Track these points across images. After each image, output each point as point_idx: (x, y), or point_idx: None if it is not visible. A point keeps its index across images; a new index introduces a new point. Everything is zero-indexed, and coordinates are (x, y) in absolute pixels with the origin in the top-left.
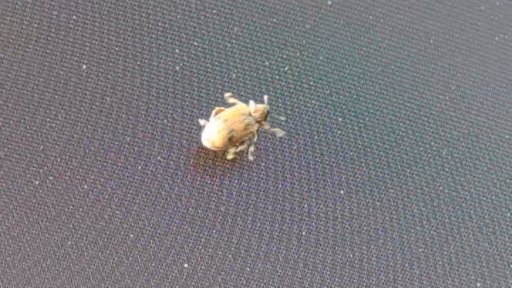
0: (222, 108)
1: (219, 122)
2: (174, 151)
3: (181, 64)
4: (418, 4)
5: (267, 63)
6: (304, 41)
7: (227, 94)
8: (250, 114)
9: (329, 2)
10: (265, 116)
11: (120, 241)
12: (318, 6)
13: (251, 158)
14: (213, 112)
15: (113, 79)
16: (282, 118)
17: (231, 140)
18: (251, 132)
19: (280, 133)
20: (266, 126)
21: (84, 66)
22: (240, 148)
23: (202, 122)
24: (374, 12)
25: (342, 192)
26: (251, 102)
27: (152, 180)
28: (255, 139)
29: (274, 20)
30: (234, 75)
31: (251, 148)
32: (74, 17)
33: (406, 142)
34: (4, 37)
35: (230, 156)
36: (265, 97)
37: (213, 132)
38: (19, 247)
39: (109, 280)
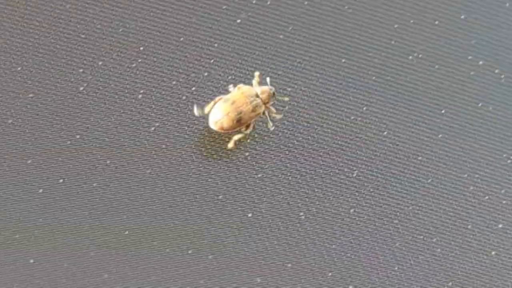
0: (222, 96)
1: (227, 104)
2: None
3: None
4: None
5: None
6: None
7: (230, 86)
8: (257, 96)
9: None
10: (272, 97)
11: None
12: None
13: (271, 128)
14: (215, 100)
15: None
16: (286, 98)
17: (239, 122)
18: (258, 113)
19: (278, 115)
20: (272, 108)
21: None
22: (246, 132)
23: (196, 111)
24: None
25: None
26: (254, 83)
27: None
28: (273, 114)
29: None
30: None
31: (270, 123)
32: None
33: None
34: None
35: (231, 145)
36: (268, 79)
37: (221, 114)
38: None
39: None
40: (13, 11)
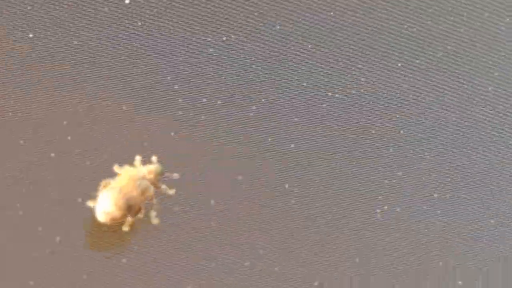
0: (108, 180)
1: (114, 192)
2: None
3: None
4: None
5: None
6: None
7: (115, 167)
8: (144, 177)
9: None
10: (160, 176)
11: None
12: None
13: (155, 222)
14: (101, 186)
15: None
16: (176, 175)
17: (130, 209)
18: (148, 196)
19: (170, 191)
20: (163, 186)
21: None
22: (138, 216)
23: (91, 203)
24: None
25: None
26: (138, 163)
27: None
28: (154, 202)
29: None
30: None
31: (153, 212)
32: None
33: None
34: None
35: (126, 228)
36: (153, 158)
37: (109, 203)
38: None
39: None
40: None
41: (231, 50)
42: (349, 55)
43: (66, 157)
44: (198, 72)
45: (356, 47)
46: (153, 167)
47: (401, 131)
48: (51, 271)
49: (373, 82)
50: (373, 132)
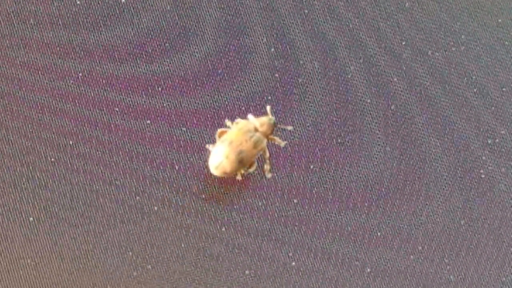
0: (225, 129)
1: (224, 146)
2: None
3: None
4: None
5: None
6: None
7: (226, 121)
8: (256, 130)
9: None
10: (273, 128)
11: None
12: None
13: (268, 176)
14: (216, 135)
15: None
16: (289, 127)
17: (242, 163)
18: (261, 149)
19: (282, 143)
20: (277, 139)
21: None
22: (250, 170)
23: (210, 147)
24: None
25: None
26: (250, 117)
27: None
28: (267, 156)
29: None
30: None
31: (266, 166)
32: None
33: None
34: None
35: (239, 177)
36: (268, 108)
37: (220, 158)
38: None
39: None
40: None
41: None
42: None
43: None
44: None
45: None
46: (265, 118)
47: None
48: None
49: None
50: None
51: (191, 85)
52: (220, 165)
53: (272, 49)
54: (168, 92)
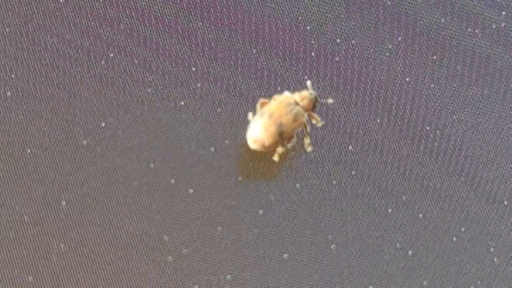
0: (267, 100)
1: (264, 118)
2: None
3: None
4: None
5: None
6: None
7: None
8: (297, 103)
9: None
10: (314, 103)
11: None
12: None
13: (309, 149)
14: (258, 105)
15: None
16: (330, 100)
17: (282, 136)
18: (301, 123)
19: (329, 100)
20: (316, 116)
21: None
22: (289, 145)
23: (251, 116)
24: None
25: None
26: (286, 92)
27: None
28: (308, 129)
29: None
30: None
31: (307, 140)
32: None
33: None
34: None
35: (276, 158)
36: (308, 83)
37: (260, 130)
38: None
39: None
40: None
41: None
42: None
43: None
44: None
45: None
46: (306, 92)
47: None
48: None
49: None
50: None
51: (226, 64)
52: (259, 138)
53: (308, 27)
54: (202, 72)
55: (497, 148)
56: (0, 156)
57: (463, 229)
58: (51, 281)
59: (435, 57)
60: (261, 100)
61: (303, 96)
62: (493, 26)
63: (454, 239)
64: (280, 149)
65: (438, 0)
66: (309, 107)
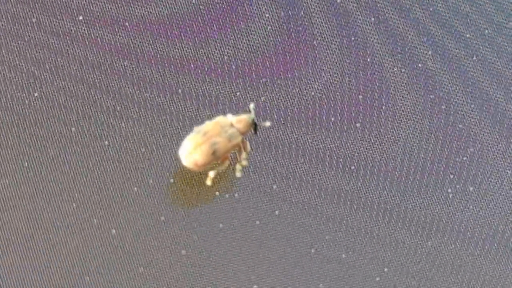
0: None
1: (198, 136)
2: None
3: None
4: None
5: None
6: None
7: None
8: (232, 125)
9: None
10: (251, 126)
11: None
12: None
13: (238, 175)
14: (195, 128)
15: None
16: (267, 123)
17: (215, 155)
18: (236, 145)
19: (267, 123)
20: (248, 147)
21: None
22: (222, 167)
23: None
24: None
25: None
26: (229, 115)
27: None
28: (243, 155)
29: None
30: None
31: (239, 165)
32: None
33: None
34: None
35: (209, 182)
36: (251, 106)
37: (191, 146)
38: None
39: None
40: None
41: None
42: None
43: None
44: None
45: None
46: (245, 116)
47: None
48: None
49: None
50: None
51: (149, 105)
52: (192, 155)
53: (282, 13)
54: (127, 112)
55: (421, 181)
56: None
57: (386, 269)
58: None
59: (410, 38)
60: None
61: (240, 119)
62: None
63: (377, 279)
64: (212, 173)
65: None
66: (245, 130)
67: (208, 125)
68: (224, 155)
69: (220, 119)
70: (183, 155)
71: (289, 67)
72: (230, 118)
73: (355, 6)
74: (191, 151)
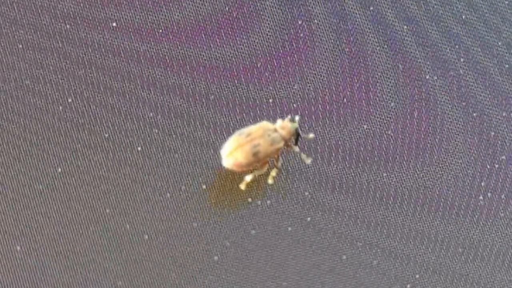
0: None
1: (241, 137)
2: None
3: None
4: None
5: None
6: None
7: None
8: (275, 130)
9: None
10: (294, 135)
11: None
12: None
13: (270, 181)
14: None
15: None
16: (311, 135)
17: (256, 157)
18: (278, 149)
19: (308, 160)
20: (296, 148)
21: None
22: (261, 171)
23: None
24: None
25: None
26: (278, 121)
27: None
28: (279, 163)
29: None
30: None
31: (273, 172)
32: None
33: None
34: None
35: (243, 186)
36: (296, 118)
37: (234, 146)
38: None
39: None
40: None
41: None
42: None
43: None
44: None
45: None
46: (288, 123)
47: None
48: None
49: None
50: None
51: (182, 112)
52: (233, 155)
53: None
54: (161, 119)
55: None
56: None
57: (417, 276)
58: None
59: (405, 27)
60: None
61: (283, 125)
62: None
63: (408, 286)
64: (248, 177)
65: None
66: (287, 137)
67: (251, 127)
68: (264, 159)
69: (264, 123)
70: (224, 154)
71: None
72: (276, 124)
73: (393, 14)
74: (233, 151)
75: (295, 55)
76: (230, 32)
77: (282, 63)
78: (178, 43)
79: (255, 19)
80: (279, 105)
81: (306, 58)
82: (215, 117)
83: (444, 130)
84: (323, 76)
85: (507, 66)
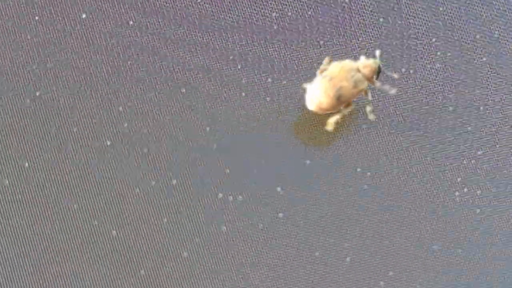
0: (327, 66)
1: (324, 81)
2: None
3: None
4: None
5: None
6: None
7: (326, 59)
8: (358, 70)
9: None
10: (376, 73)
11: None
12: None
13: (372, 117)
14: (318, 71)
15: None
16: (395, 75)
17: (340, 100)
18: (361, 90)
19: (392, 90)
20: (377, 83)
21: None
22: (345, 111)
23: (307, 85)
24: None
25: None
26: (361, 57)
27: None
28: (369, 97)
29: None
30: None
31: (368, 108)
32: None
33: None
34: None
35: (330, 127)
36: (377, 52)
37: (318, 92)
38: None
39: None
40: None
41: None
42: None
43: None
44: None
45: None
46: (370, 61)
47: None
48: None
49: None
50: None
51: (154, 103)
52: (318, 100)
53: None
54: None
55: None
56: None
57: (391, 273)
58: None
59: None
60: (322, 66)
61: (365, 64)
62: None
63: (382, 283)
64: (334, 118)
65: None
66: (370, 76)
67: (333, 70)
68: (348, 100)
69: (345, 63)
70: (309, 98)
71: None
72: (360, 60)
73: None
74: (318, 96)
75: None
76: None
77: None
78: None
79: None
80: None
81: None
82: (189, 110)
83: (420, 125)
84: None
85: (484, 59)
